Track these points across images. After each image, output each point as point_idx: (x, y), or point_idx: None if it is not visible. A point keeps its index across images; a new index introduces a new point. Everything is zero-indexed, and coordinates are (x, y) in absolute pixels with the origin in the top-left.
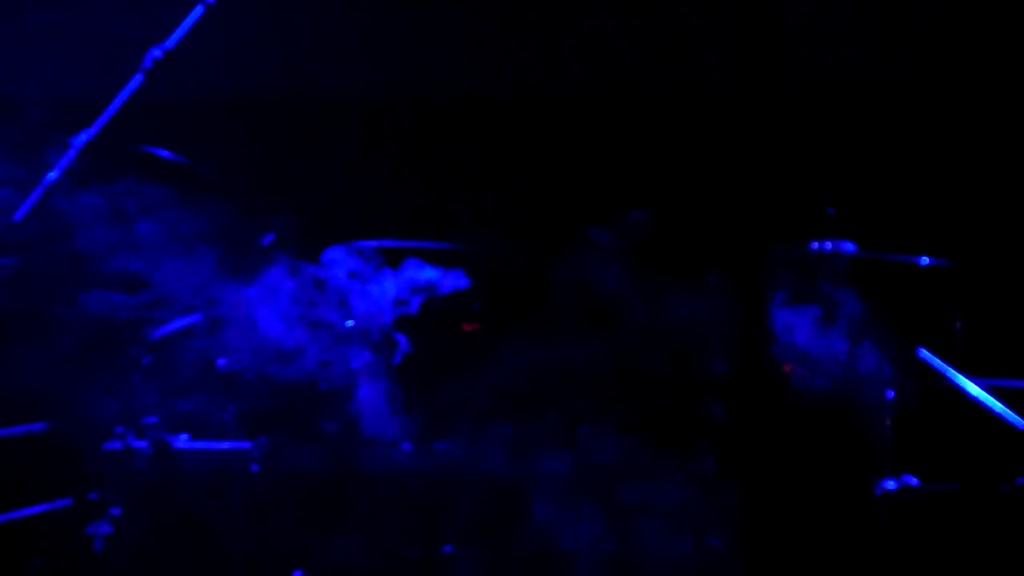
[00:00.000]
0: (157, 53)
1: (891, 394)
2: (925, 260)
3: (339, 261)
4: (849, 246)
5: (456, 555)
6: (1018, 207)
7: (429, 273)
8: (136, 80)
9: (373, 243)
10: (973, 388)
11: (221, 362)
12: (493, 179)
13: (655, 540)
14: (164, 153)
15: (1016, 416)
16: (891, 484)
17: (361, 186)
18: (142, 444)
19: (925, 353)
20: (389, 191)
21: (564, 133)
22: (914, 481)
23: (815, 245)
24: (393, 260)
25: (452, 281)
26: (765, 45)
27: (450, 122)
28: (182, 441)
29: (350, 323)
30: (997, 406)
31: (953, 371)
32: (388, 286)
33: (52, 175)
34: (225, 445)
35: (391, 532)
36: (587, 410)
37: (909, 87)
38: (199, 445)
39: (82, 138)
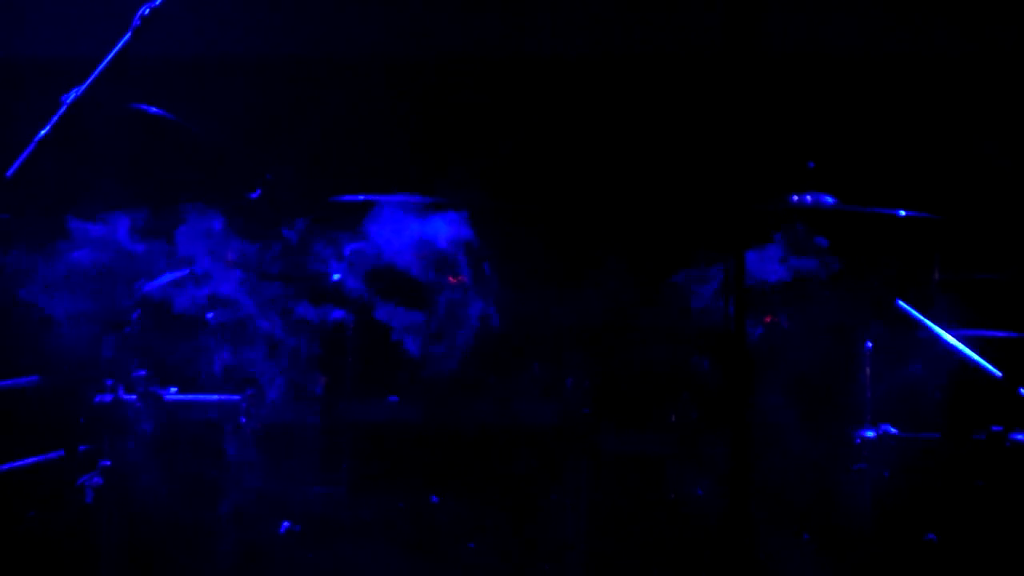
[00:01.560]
0: (145, 10)
1: (869, 345)
2: (903, 212)
3: (327, 216)
4: (829, 199)
5: (443, 505)
6: (995, 160)
7: (418, 227)
8: (125, 37)
9: (364, 197)
10: (949, 338)
11: (210, 315)
12: (481, 136)
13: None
14: (154, 110)
15: (991, 366)
16: (870, 433)
17: (351, 142)
18: (132, 397)
19: (903, 304)
20: (379, 146)
21: (548, 91)
22: (892, 430)
23: (795, 198)
24: (384, 214)
25: (443, 233)
26: (745, 4)
27: (440, 80)
28: (172, 394)
29: (336, 276)
30: (973, 356)
31: (930, 322)
32: (378, 239)
33: (42, 132)
34: (214, 398)
35: (378, 483)
36: (573, 362)
37: (889, 43)
38: (189, 398)
39: (72, 95)
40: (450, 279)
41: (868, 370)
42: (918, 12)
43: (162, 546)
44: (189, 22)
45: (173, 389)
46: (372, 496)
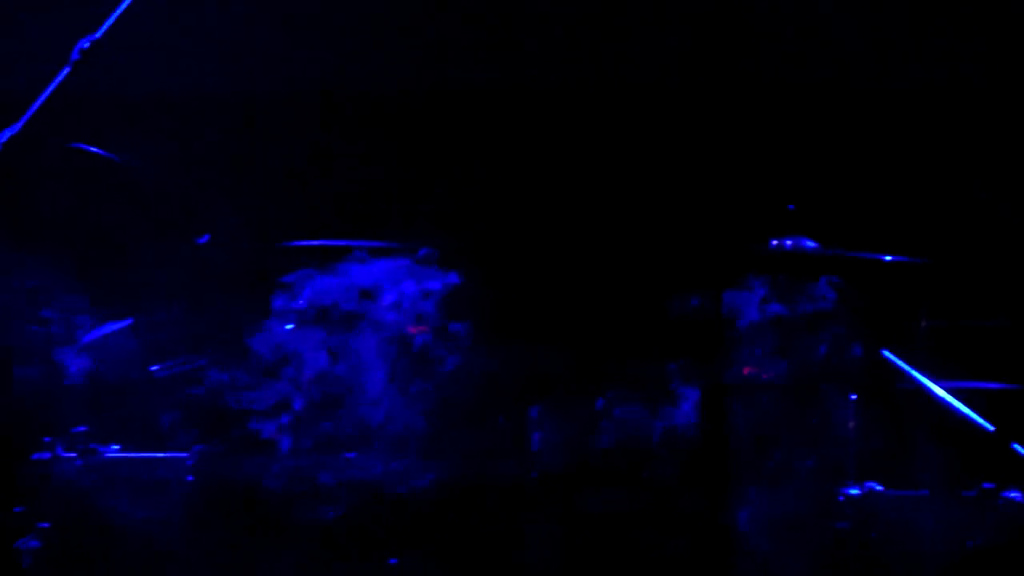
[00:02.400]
0: (84, 44)
1: (854, 397)
2: (888, 257)
3: (283, 261)
4: (810, 243)
5: (402, 567)
6: (986, 202)
7: (373, 273)
8: (64, 72)
9: (315, 242)
10: (938, 390)
11: (155, 368)
12: (441, 174)
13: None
14: (95, 150)
15: (982, 419)
16: (854, 490)
17: (301, 183)
18: (71, 455)
19: (889, 354)
20: (330, 188)
21: (518, 125)
22: (878, 487)
23: (775, 242)
24: (337, 259)
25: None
26: (725, 40)
27: (396, 115)
28: (114, 451)
29: (289, 327)
30: (963, 408)
31: (918, 372)
32: (334, 287)
33: None
34: (159, 455)
35: (335, 543)
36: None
37: (872, 82)
38: (132, 455)
39: (7, 134)
40: (411, 329)
41: (852, 423)
42: (906, 48)
43: None
44: (132, 58)
45: (115, 446)
46: (328, 557)
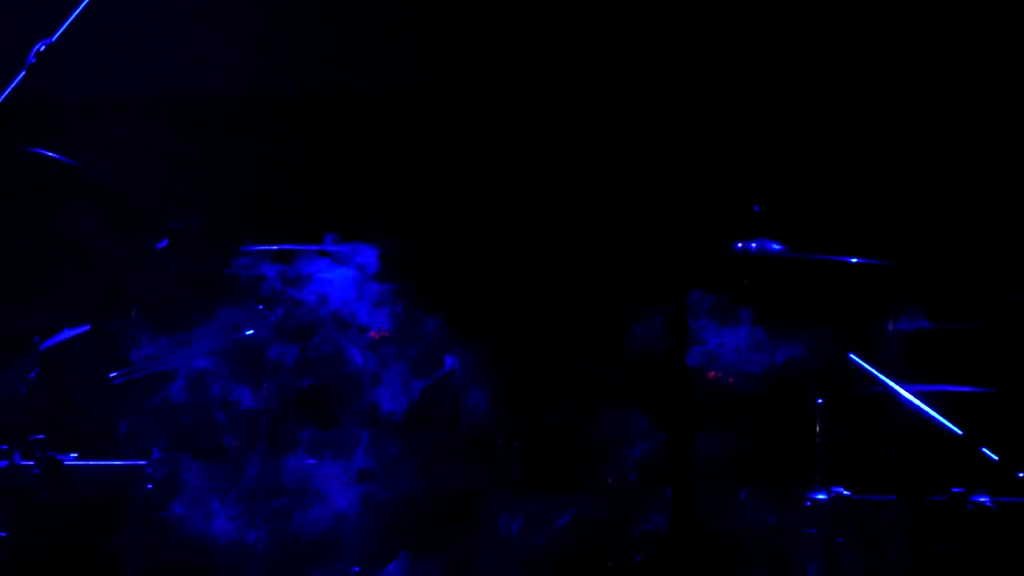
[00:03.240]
0: (41, 47)
1: (820, 401)
2: (855, 259)
3: (242, 266)
4: (775, 246)
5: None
6: (954, 203)
7: (339, 277)
8: (20, 75)
9: (275, 246)
10: (906, 394)
11: (114, 375)
12: (400, 177)
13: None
14: (52, 154)
15: (950, 423)
16: (821, 495)
17: (260, 187)
18: (29, 463)
19: (856, 358)
20: (290, 191)
21: (476, 128)
22: (845, 492)
23: (740, 245)
24: (298, 263)
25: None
26: (689, 42)
27: (354, 117)
28: (72, 459)
29: (250, 332)
30: (931, 412)
31: (885, 376)
32: (298, 291)
33: None
34: (118, 463)
35: (296, 553)
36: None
37: (840, 83)
38: (90, 463)
39: None
40: (372, 334)
41: (819, 428)
42: (876, 50)
43: None
44: (90, 61)
45: (73, 454)
46: (293, 565)
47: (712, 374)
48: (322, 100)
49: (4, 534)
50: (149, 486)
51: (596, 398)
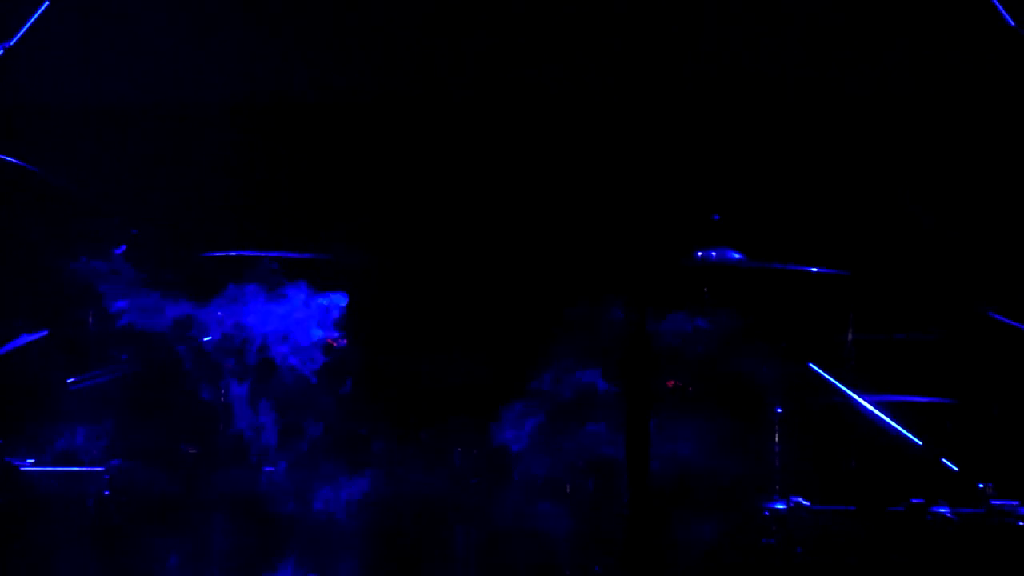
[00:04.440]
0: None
1: (779, 410)
2: (815, 269)
3: (207, 273)
4: (736, 254)
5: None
6: (913, 214)
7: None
8: None
9: (235, 253)
10: (865, 404)
11: (71, 380)
12: (364, 186)
13: None
14: (10, 160)
15: (909, 433)
16: (780, 505)
17: (220, 195)
18: None
19: (815, 367)
20: (254, 199)
21: (439, 136)
22: (804, 502)
23: (699, 254)
24: (252, 271)
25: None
26: (650, 51)
27: (310, 126)
28: (28, 465)
29: (208, 338)
30: (890, 423)
31: (844, 386)
32: (257, 302)
33: None
34: (75, 469)
35: (255, 559)
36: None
37: (799, 94)
38: (47, 469)
39: None
40: (328, 342)
41: (777, 438)
42: (833, 60)
43: None
44: (50, 69)
45: (30, 460)
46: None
47: (671, 383)
48: (279, 109)
49: None
50: (107, 492)
51: (555, 407)
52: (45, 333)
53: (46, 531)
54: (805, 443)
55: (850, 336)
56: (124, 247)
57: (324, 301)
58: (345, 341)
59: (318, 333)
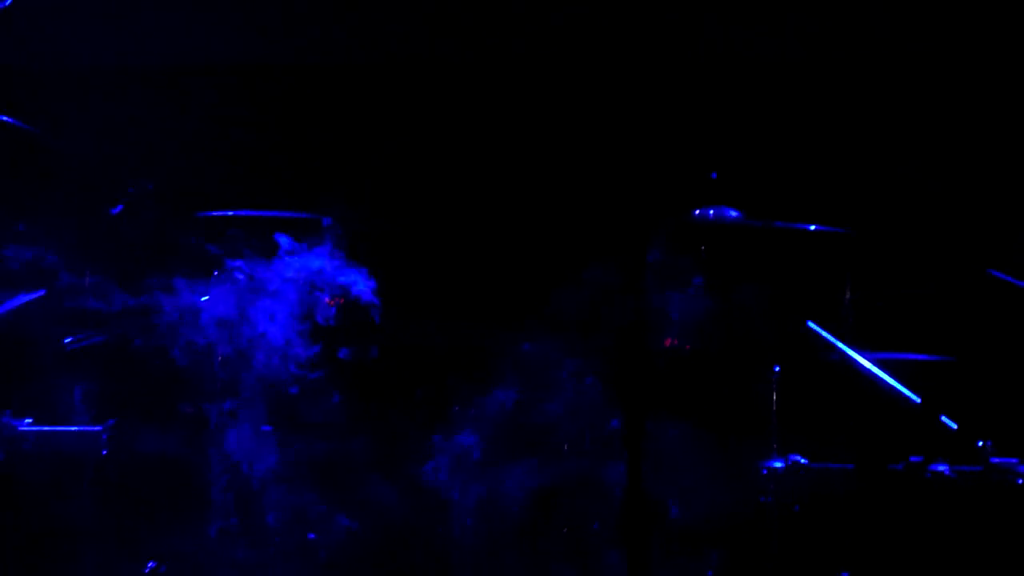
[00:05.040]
0: None
1: (777, 368)
2: (813, 227)
3: (203, 234)
4: (733, 212)
5: (319, 542)
6: (911, 171)
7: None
8: None
9: (234, 213)
10: (864, 362)
11: (68, 340)
12: (362, 147)
13: None
14: (9, 120)
15: (908, 391)
16: (778, 463)
17: (219, 155)
18: None
19: (813, 325)
20: (250, 159)
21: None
22: (802, 460)
23: (698, 212)
24: (256, 232)
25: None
26: (647, 9)
27: (314, 89)
28: (26, 424)
29: (205, 298)
30: (889, 380)
31: (843, 344)
32: (251, 259)
33: None
34: (73, 428)
35: (254, 520)
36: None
37: (798, 50)
38: (44, 429)
39: None
40: (328, 301)
41: (775, 396)
42: (832, 18)
43: None
44: (46, 30)
45: (28, 420)
46: (246, 534)
47: (669, 341)
48: (278, 71)
49: None
50: (104, 452)
51: (551, 367)
52: (42, 292)
53: (43, 491)
54: (803, 401)
55: (849, 294)
56: (120, 207)
57: (321, 262)
58: (343, 301)
59: (318, 293)
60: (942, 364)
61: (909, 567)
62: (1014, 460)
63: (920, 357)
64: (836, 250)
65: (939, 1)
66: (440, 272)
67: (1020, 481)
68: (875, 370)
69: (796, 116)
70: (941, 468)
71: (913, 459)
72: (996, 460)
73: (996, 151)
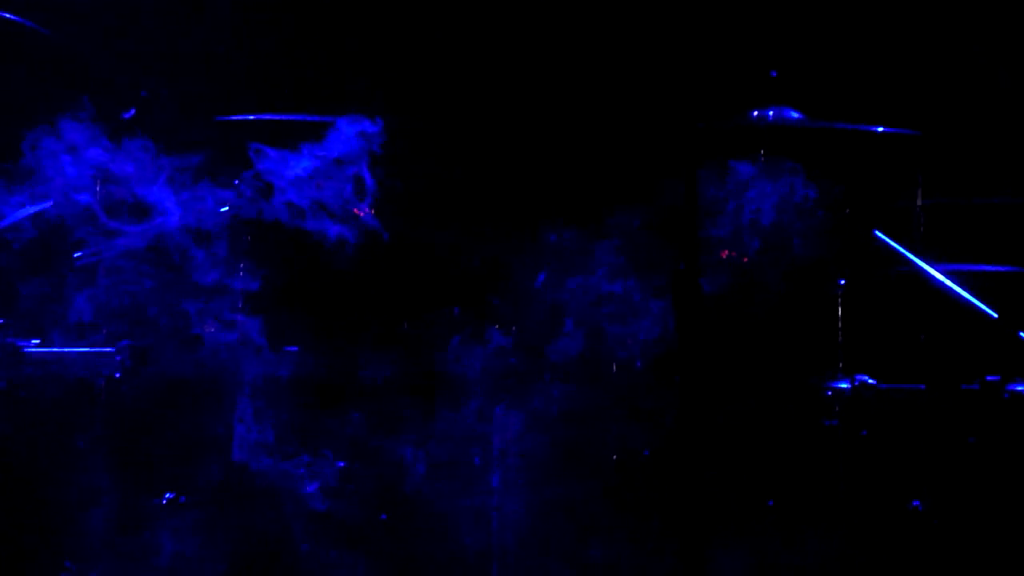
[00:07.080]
0: None
1: (842, 282)
2: (880, 128)
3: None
4: (794, 114)
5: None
6: (985, 69)
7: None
8: None
9: (254, 116)
10: (935, 274)
11: (78, 255)
12: (383, 46)
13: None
14: (6, 14)
15: (984, 305)
16: (844, 384)
17: (237, 55)
18: None
19: (881, 235)
20: (269, 60)
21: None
22: (870, 380)
23: (756, 113)
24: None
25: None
26: None
27: None
28: (33, 346)
29: (224, 208)
30: (963, 294)
31: (913, 255)
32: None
33: None
34: (83, 350)
35: (266, 446)
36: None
37: None
38: (53, 351)
39: None
40: (354, 211)
41: (841, 312)
42: None
43: (21, 522)
44: None
45: (35, 341)
46: (267, 459)
47: (725, 253)
48: None
49: None
50: (117, 375)
51: (598, 281)
52: (50, 203)
53: (52, 415)
54: (870, 317)
55: (919, 201)
56: (133, 111)
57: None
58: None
59: (339, 201)
60: (1019, 275)
61: (986, 495)
62: None
63: (996, 268)
64: (905, 154)
65: None
66: (458, 179)
67: None
68: (947, 283)
69: (861, 7)
70: (1020, 388)
71: (989, 378)
72: None
73: None
